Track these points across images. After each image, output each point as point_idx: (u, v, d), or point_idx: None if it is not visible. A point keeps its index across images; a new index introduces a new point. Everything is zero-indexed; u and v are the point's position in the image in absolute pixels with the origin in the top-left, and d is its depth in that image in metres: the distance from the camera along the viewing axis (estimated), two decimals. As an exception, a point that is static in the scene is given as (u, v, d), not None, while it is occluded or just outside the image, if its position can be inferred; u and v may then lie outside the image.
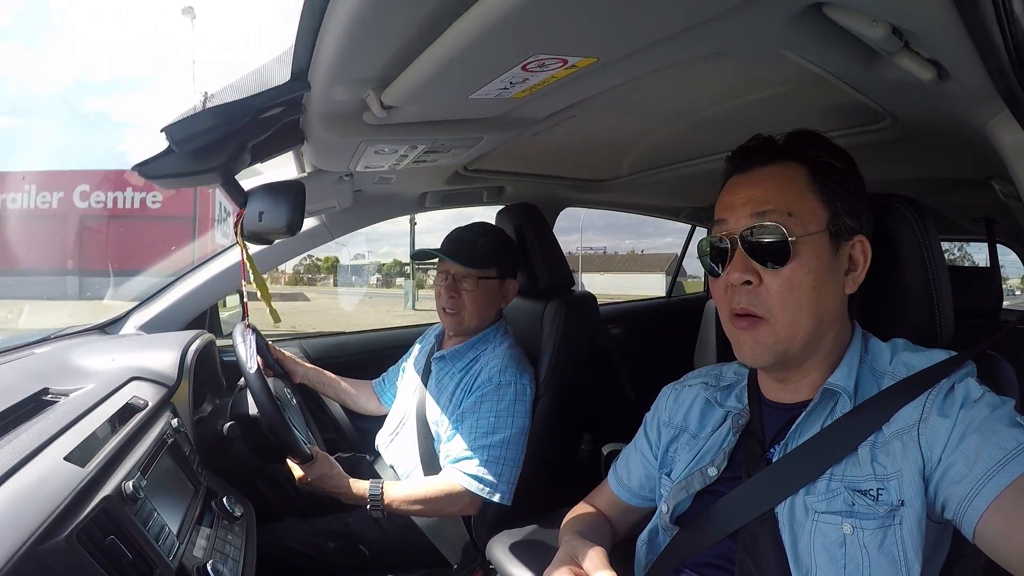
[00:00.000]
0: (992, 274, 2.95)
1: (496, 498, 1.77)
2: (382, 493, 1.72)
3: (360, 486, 1.72)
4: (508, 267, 2.03)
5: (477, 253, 1.98)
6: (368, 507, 1.72)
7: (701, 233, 3.81)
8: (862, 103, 1.35)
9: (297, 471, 1.69)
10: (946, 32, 0.86)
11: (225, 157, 1.23)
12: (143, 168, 1.22)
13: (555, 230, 2.58)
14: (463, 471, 1.77)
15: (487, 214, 2.50)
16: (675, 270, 4.26)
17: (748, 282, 1.01)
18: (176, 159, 1.21)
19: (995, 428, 0.88)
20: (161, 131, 1.12)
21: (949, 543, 0.98)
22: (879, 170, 1.14)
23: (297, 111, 1.28)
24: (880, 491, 0.93)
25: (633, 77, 1.18)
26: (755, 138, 1.10)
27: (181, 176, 1.24)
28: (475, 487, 1.76)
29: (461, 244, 2.02)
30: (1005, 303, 3.35)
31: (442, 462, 1.87)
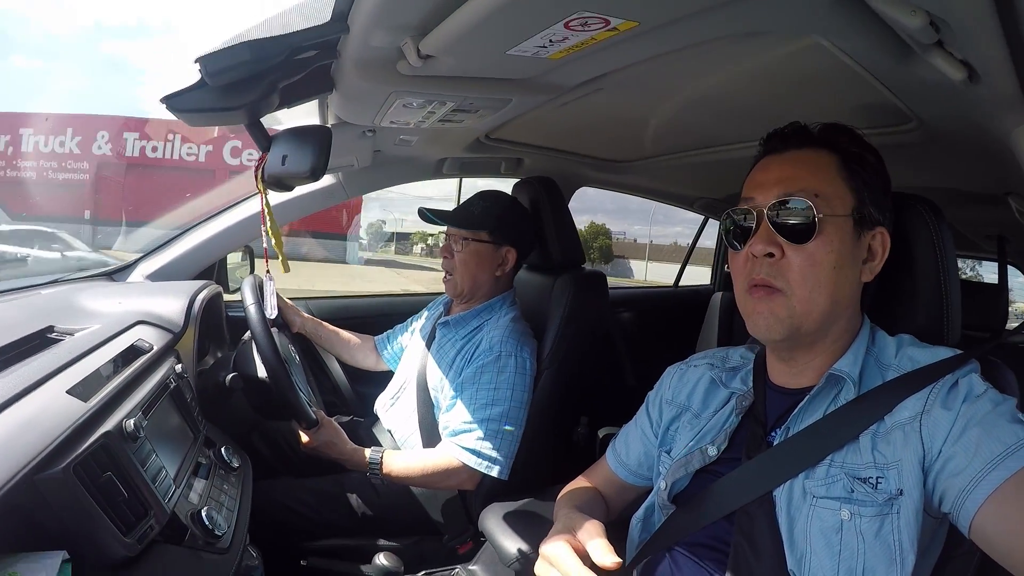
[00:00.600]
0: (1000, 291, 2.94)
1: (494, 472, 1.77)
2: (381, 462, 1.73)
3: (362, 453, 1.74)
4: (505, 233, 2.00)
5: (469, 215, 1.99)
6: (367, 473, 1.74)
7: (713, 224, 3.80)
8: (889, 102, 1.35)
9: (303, 435, 1.71)
10: (981, 29, 0.86)
11: (255, 96, 1.21)
12: (171, 101, 1.21)
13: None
14: (461, 445, 1.77)
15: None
16: (684, 260, 4.23)
17: (770, 254, 1.02)
18: (205, 94, 1.20)
19: (996, 423, 0.88)
20: (196, 61, 1.11)
21: (943, 541, 0.99)
22: (899, 175, 1.16)
23: (331, 56, 1.26)
24: (880, 479, 0.93)
25: (670, 49, 1.16)
26: (791, 125, 1.11)
27: (208, 112, 1.23)
28: (473, 461, 1.76)
29: (459, 208, 2.05)
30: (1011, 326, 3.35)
31: (441, 433, 1.87)
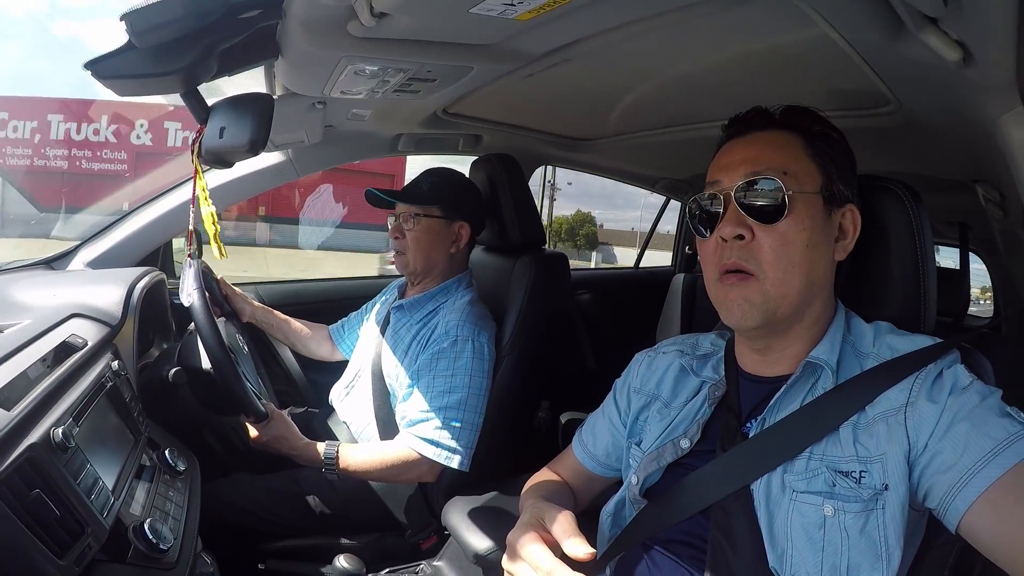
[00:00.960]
0: (961, 277, 3.00)
1: (455, 463, 1.72)
2: (337, 457, 1.67)
3: (315, 448, 1.68)
4: (456, 208, 1.95)
5: (419, 191, 1.94)
6: (323, 469, 1.68)
7: (674, 206, 3.82)
8: (870, 84, 1.33)
9: (252, 430, 1.64)
10: (993, 6, 0.82)
11: (190, 60, 1.12)
12: (96, 66, 1.11)
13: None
14: (419, 435, 1.72)
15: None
16: (645, 241, 4.22)
17: (740, 237, 0.99)
18: (135, 57, 1.11)
19: (985, 417, 0.86)
20: (121, 18, 1.01)
21: (923, 532, 0.97)
22: (868, 159, 1.16)
23: (276, 15, 1.18)
24: (863, 473, 0.91)
25: (647, 14, 1.13)
26: (753, 109, 1.09)
27: (138, 78, 1.14)
28: (431, 452, 1.71)
29: (408, 185, 2.00)
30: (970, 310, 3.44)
31: (398, 424, 1.81)
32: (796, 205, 0.97)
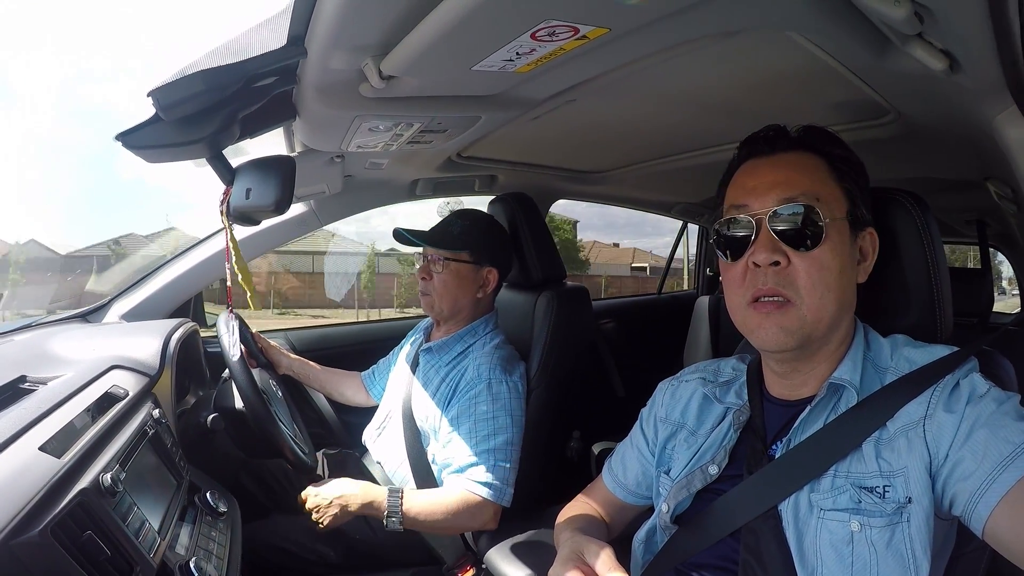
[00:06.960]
0: (984, 276, 2.95)
1: (504, 501, 1.72)
2: (401, 505, 1.63)
3: (379, 501, 1.64)
4: (485, 253, 1.95)
5: (449, 235, 1.94)
6: (385, 520, 1.63)
7: (692, 230, 3.84)
8: (866, 97, 1.34)
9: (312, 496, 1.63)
10: (967, 16, 0.84)
11: (214, 128, 1.17)
12: (127, 138, 1.16)
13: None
14: (475, 480, 1.70)
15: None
16: (665, 267, 4.23)
17: (776, 263, 0.98)
18: (162, 128, 1.16)
19: (1003, 423, 0.86)
20: (148, 95, 1.06)
21: (955, 538, 0.97)
22: (876, 168, 1.14)
23: (291, 81, 1.23)
24: (887, 488, 0.91)
25: (643, 55, 1.15)
26: (771, 127, 1.08)
27: (167, 147, 1.19)
28: (486, 493, 1.69)
29: (437, 227, 1.99)
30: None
31: (440, 469, 1.81)
32: (830, 232, 0.97)
